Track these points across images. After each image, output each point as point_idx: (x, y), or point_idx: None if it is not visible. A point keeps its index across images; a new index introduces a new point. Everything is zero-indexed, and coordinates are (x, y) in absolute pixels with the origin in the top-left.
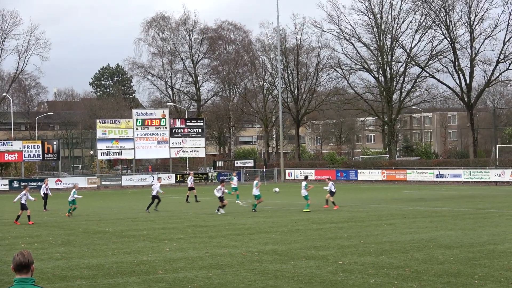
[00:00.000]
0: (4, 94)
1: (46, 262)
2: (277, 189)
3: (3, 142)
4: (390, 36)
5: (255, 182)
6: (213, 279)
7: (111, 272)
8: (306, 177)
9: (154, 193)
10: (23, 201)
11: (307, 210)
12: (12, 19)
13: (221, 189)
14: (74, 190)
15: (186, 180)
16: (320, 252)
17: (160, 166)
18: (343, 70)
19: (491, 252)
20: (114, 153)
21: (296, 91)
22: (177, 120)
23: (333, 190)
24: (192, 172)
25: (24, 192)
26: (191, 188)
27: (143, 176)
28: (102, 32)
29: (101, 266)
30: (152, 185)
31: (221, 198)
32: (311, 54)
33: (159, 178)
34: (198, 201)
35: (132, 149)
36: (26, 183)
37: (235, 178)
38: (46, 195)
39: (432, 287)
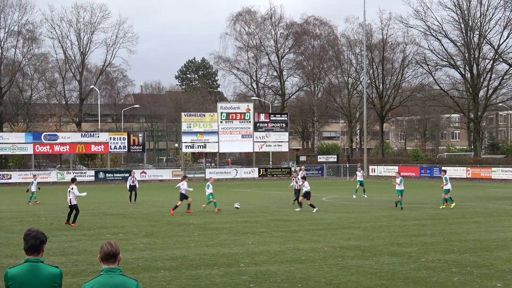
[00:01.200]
0: (92, 86)
1: (130, 253)
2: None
3: (90, 134)
4: (477, 32)
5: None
6: (295, 273)
7: (194, 264)
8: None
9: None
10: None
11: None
12: (101, 13)
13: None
14: (33, 180)
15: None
16: (403, 248)
17: (243, 160)
18: (429, 66)
19: None
20: (198, 146)
21: (381, 86)
22: (261, 114)
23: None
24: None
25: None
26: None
27: (226, 170)
28: (188, 27)
29: (184, 258)
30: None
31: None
32: (396, 50)
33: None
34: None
35: (216, 142)
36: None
37: (359, 173)
38: (133, 187)
39: None
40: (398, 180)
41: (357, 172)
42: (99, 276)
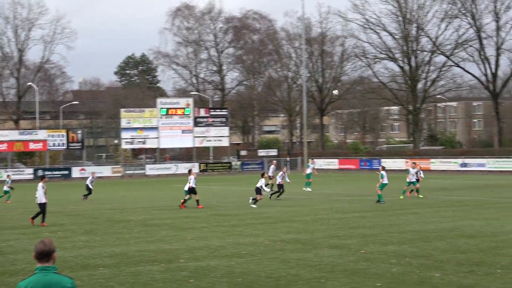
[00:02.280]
0: (29, 83)
1: (69, 251)
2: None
3: (29, 131)
4: (415, 25)
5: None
6: (235, 268)
7: (134, 261)
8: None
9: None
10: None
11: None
12: (38, 9)
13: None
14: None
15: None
16: (342, 241)
17: (184, 155)
18: (368, 59)
19: None
20: (138, 142)
21: (320, 80)
22: (201, 109)
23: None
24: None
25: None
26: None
27: (167, 165)
28: (127, 22)
29: (124, 254)
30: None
31: (259, 190)
32: (335, 43)
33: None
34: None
35: (156, 138)
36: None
37: (311, 166)
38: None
39: (454, 276)
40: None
41: (309, 165)
42: (33, 275)
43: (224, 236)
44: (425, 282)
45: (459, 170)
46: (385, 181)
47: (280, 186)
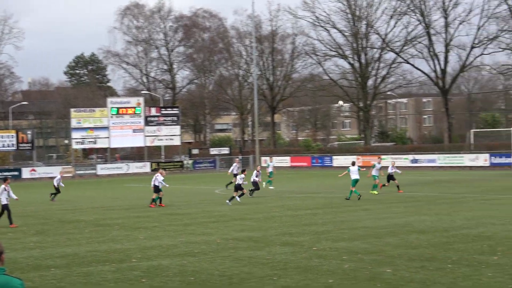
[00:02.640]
0: None
1: (20, 252)
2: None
3: None
4: (365, 22)
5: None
6: (188, 267)
7: (86, 261)
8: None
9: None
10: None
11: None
12: None
13: (243, 178)
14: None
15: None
16: (295, 238)
17: (135, 154)
18: (318, 57)
19: (465, 237)
20: (89, 142)
21: (271, 78)
22: (152, 108)
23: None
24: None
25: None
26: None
27: (118, 165)
28: (76, 21)
29: (75, 255)
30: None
31: (239, 186)
32: (286, 41)
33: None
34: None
35: (107, 137)
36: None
37: (271, 164)
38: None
39: (406, 272)
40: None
41: (269, 163)
42: None
43: (176, 235)
44: (376, 278)
45: (410, 166)
46: (356, 176)
47: (255, 184)
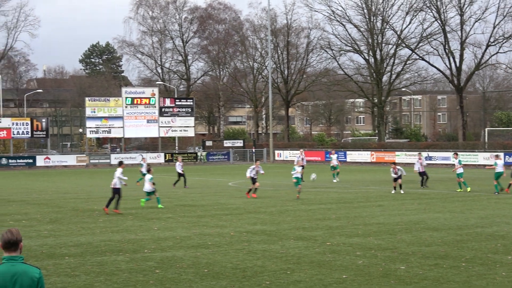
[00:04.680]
0: None
1: (34, 240)
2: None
3: None
4: (380, 17)
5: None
6: (201, 259)
7: (99, 250)
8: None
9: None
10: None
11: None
12: None
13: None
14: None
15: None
16: (308, 233)
17: (149, 145)
18: (333, 51)
19: (478, 235)
20: (103, 131)
21: (286, 71)
22: (166, 99)
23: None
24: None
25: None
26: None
27: (132, 155)
28: (92, 10)
29: (89, 244)
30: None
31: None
32: (301, 35)
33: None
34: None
35: (121, 127)
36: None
37: (334, 157)
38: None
39: (419, 269)
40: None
41: (331, 156)
42: (1, 265)
43: (190, 226)
44: (390, 275)
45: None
46: (500, 169)
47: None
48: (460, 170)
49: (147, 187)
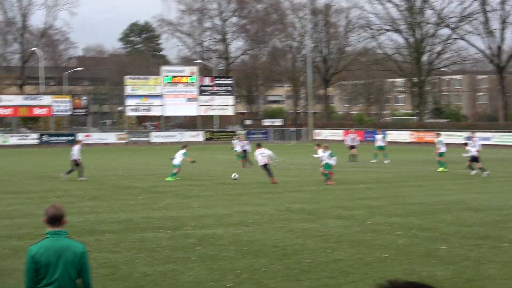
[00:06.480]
0: (33, 48)
1: (75, 216)
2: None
3: (33, 97)
4: None
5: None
6: (242, 236)
7: (140, 227)
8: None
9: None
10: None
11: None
12: None
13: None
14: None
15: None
16: (348, 212)
17: (188, 123)
18: (373, 31)
19: None
20: (143, 109)
21: (325, 51)
22: (205, 78)
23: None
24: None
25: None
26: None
27: (171, 133)
28: None
29: (130, 221)
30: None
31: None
32: (340, 14)
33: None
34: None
35: (160, 105)
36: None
37: (378, 136)
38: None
39: (460, 250)
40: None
41: (376, 136)
42: (45, 240)
43: (229, 204)
44: (431, 254)
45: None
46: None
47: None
48: (443, 150)
49: (177, 161)
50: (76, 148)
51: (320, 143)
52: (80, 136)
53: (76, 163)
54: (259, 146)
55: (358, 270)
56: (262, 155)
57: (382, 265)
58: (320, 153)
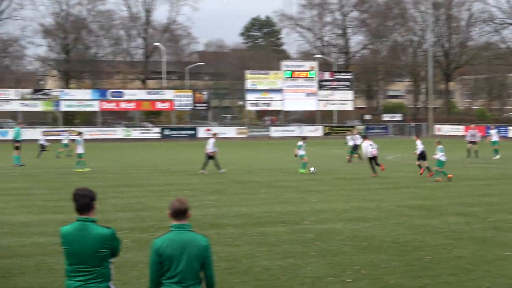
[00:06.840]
0: (156, 43)
1: (197, 210)
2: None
3: (156, 91)
4: None
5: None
6: (360, 232)
7: (261, 221)
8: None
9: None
10: None
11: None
12: None
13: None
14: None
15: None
16: (469, 208)
17: (307, 118)
18: (496, 24)
19: None
20: (263, 104)
21: (446, 45)
22: (325, 72)
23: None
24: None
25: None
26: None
27: (291, 128)
28: None
29: (251, 215)
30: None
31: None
32: (462, 8)
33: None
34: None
35: (280, 100)
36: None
37: (492, 132)
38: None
39: None
40: None
41: (490, 131)
42: (169, 233)
43: (348, 199)
44: None
45: None
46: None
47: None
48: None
49: (301, 151)
50: (211, 142)
51: (419, 134)
52: (215, 129)
53: (210, 156)
54: (365, 137)
55: (480, 268)
56: (371, 146)
57: (503, 263)
58: (419, 144)
